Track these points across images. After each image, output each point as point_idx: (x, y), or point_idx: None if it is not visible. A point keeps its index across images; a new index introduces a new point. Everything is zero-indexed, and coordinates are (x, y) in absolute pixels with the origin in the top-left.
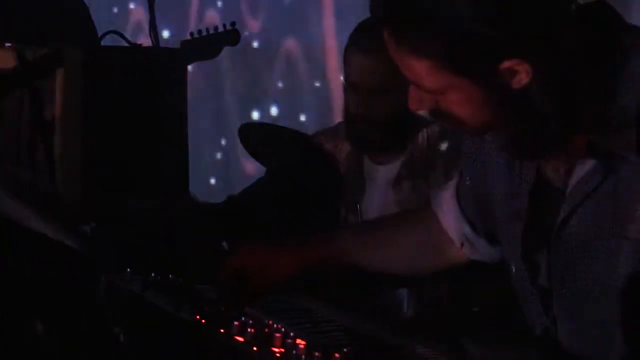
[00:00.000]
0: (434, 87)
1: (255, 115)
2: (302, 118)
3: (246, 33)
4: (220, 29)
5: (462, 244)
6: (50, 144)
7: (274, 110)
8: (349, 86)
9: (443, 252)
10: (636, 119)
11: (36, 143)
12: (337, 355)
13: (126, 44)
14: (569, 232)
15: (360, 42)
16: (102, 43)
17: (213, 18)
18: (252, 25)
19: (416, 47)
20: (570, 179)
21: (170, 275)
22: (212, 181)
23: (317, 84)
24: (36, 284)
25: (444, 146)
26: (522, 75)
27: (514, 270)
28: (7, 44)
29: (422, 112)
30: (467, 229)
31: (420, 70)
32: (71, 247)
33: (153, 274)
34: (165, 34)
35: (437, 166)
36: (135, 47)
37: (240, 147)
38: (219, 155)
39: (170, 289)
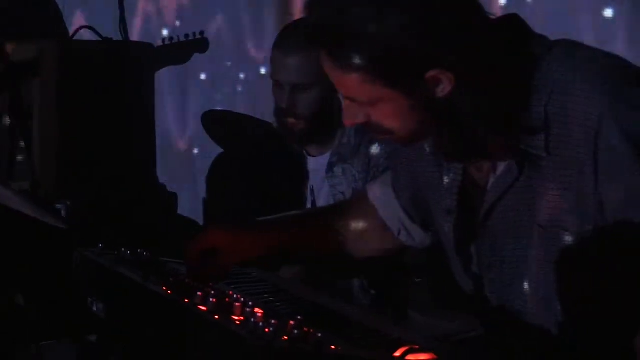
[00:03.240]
0: (365, 99)
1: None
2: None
3: None
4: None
5: (399, 232)
6: (28, 130)
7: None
8: (275, 84)
9: (381, 240)
10: (545, 122)
11: (15, 130)
12: (291, 322)
13: (99, 38)
14: (492, 223)
15: (282, 44)
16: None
17: None
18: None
19: (347, 63)
20: (490, 176)
21: (139, 250)
22: None
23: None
24: (16, 259)
25: (368, 135)
26: (445, 83)
27: (449, 258)
28: None
29: None
30: (404, 218)
31: (351, 84)
32: (48, 224)
33: (123, 249)
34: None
35: (360, 151)
36: (107, 41)
37: (170, 146)
38: None
39: (139, 262)
